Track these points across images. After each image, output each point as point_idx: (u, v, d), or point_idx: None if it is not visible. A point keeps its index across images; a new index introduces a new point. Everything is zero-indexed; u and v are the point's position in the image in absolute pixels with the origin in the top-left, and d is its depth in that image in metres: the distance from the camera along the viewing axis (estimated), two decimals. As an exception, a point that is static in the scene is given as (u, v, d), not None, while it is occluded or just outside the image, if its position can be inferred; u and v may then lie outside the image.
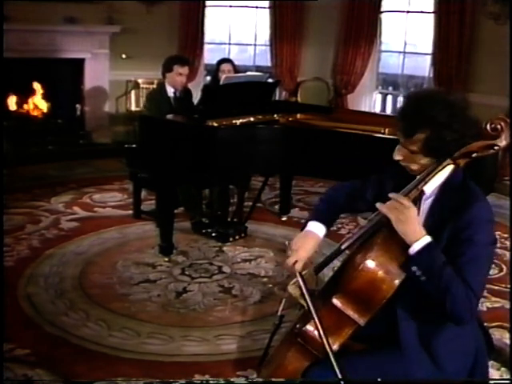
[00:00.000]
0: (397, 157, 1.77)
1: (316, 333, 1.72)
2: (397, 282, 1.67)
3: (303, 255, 1.86)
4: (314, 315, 1.70)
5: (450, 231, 1.67)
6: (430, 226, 1.71)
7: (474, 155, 1.69)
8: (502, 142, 1.66)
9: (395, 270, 1.67)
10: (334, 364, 1.65)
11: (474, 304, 1.63)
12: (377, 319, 1.72)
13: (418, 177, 1.75)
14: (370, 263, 1.67)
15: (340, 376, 1.64)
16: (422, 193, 1.75)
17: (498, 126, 1.65)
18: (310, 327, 1.75)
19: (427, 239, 1.63)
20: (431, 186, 1.75)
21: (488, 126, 1.66)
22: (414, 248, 1.63)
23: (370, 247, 1.71)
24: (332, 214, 2.00)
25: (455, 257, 1.63)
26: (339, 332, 1.73)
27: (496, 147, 1.67)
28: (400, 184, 1.79)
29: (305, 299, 1.77)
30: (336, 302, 1.72)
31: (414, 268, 1.63)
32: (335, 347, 1.71)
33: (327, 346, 1.67)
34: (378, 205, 1.69)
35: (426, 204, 1.78)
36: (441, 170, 1.71)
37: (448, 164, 1.70)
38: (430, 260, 1.62)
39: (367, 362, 1.76)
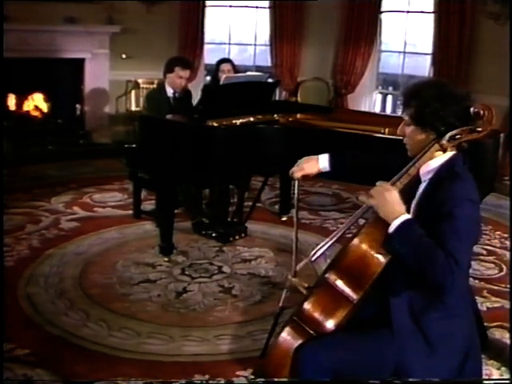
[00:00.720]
0: (399, 130, 1.98)
1: (312, 309, 1.82)
2: (384, 258, 1.77)
3: (303, 168, 2.27)
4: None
5: (432, 209, 1.77)
6: (422, 209, 1.84)
7: (457, 137, 1.81)
8: (484, 126, 1.81)
9: (384, 248, 1.77)
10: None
11: (456, 271, 1.67)
12: (370, 301, 1.83)
13: (410, 163, 1.88)
14: (359, 240, 1.79)
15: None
16: (419, 179, 1.89)
17: (481, 112, 1.81)
18: (307, 305, 1.83)
19: (405, 217, 1.75)
20: (426, 173, 1.87)
21: (471, 111, 1.82)
22: (392, 226, 1.75)
23: (361, 228, 1.85)
24: (346, 164, 2.30)
25: (436, 232, 1.72)
26: (335, 312, 1.81)
27: (478, 130, 1.82)
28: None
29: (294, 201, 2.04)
30: (329, 276, 1.82)
31: (394, 245, 1.74)
32: (331, 326, 1.79)
33: None
34: (360, 197, 1.89)
35: (420, 188, 1.90)
36: (430, 155, 1.84)
37: (436, 150, 1.83)
38: (407, 235, 1.73)
39: (360, 343, 1.81)
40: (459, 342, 1.82)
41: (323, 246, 2.04)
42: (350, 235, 2.02)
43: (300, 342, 1.83)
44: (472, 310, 1.93)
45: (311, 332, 1.82)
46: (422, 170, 1.87)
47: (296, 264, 2.20)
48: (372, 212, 1.87)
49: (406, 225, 1.74)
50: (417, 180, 1.90)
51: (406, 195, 1.85)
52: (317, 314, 1.80)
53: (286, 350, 1.85)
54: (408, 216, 1.77)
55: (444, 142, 1.81)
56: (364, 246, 1.78)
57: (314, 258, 2.03)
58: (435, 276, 1.68)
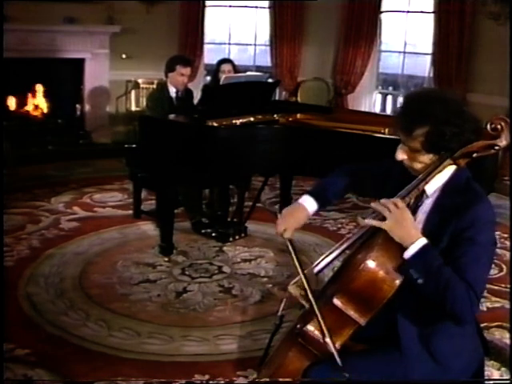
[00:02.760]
0: (399, 156, 1.76)
1: (317, 333, 1.73)
2: (397, 282, 1.67)
3: (291, 225, 1.93)
4: (320, 318, 1.70)
5: (452, 231, 1.66)
6: (430, 227, 1.71)
7: (474, 155, 1.69)
8: (503, 142, 1.67)
9: (396, 270, 1.67)
10: (339, 361, 1.66)
11: (474, 303, 1.62)
12: (377, 320, 1.72)
13: (419, 176, 1.74)
14: (371, 263, 1.67)
15: (341, 364, 1.65)
16: (423, 193, 1.75)
17: (498, 126, 1.66)
18: (310, 327, 1.75)
19: (423, 241, 1.63)
20: (433, 186, 1.74)
21: (488, 126, 1.67)
22: (410, 251, 1.63)
23: (371, 247, 1.71)
24: (330, 194, 2.04)
25: (456, 257, 1.63)
26: (340, 332, 1.73)
27: (496, 147, 1.67)
28: (403, 183, 1.78)
29: (309, 301, 1.77)
30: (337, 301, 1.71)
31: (412, 271, 1.62)
32: (336, 347, 1.71)
33: (330, 345, 1.67)
34: (372, 204, 1.69)
35: (426, 204, 1.77)
36: (441, 169, 1.70)
37: (449, 164, 1.70)
38: (426, 262, 1.61)
39: (367, 363, 1.76)
40: (469, 358, 1.78)
41: (326, 257, 1.93)
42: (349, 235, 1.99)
43: (307, 364, 1.78)
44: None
45: (317, 353, 1.77)
46: (429, 184, 1.73)
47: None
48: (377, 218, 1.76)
49: (424, 250, 1.62)
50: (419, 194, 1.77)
51: (409, 209, 1.72)
52: (322, 337, 1.72)
53: (292, 373, 1.79)
54: (425, 240, 1.63)
55: (460, 159, 1.68)
56: (376, 270, 1.66)
57: (316, 270, 1.94)
58: (454, 308, 1.60)
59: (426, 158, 1.72)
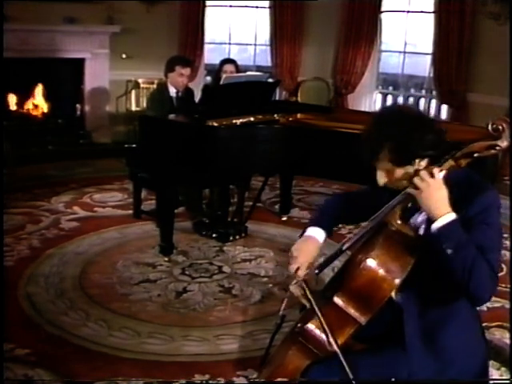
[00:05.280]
0: (381, 181, 1.78)
1: (317, 332, 1.73)
2: (397, 280, 1.68)
3: (304, 260, 1.88)
4: (321, 318, 1.71)
5: (461, 219, 1.66)
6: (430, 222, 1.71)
7: (475, 155, 1.69)
8: (504, 143, 1.66)
9: (396, 269, 1.68)
10: (343, 361, 1.66)
11: (495, 286, 1.65)
12: (378, 319, 1.73)
13: None
14: (371, 262, 1.68)
15: (347, 369, 1.65)
16: None
17: (500, 127, 1.65)
18: (311, 326, 1.76)
19: (452, 216, 1.63)
20: None
21: (489, 127, 1.67)
22: (438, 223, 1.62)
23: (372, 246, 1.72)
24: (331, 220, 2.00)
25: (474, 238, 1.63)
26: (341, 331, 1.73)
27: (497, 147, 1.67)
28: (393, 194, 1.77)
29: (310, 303, 1.77)
30: (337, 300, 1.72)
31: (441, 241, 1.61)
32: (338, 345, 1.71)
33: (333, 344, 1.68)
34: (414, 179, 1.66)
35: None
36: (443, 170, 1.69)
37: (450, 165, 1.70)
38: (455, 235, 1.61)
39: (369, 362, 1.76)
40: (473, 356, 1.78)
41: (326, 257, 1.93)
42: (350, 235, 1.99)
43: (307, 363, 1.78)
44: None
45: (317, 352, 1.76)
46: None
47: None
48: (379, 222, 1.78)
49: (454, 224, 1.62)
50: None
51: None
52: (322, 335, 1.73)
53: (292, 372, 1.80)
54: (455, 215, 1.62)
55: (462, 160, 1.68)
56: (376, 269, 1.67)
57: (318, 271, 1.94)
58: (478, 287, 1.60)
59: (404, 172, 1.73)
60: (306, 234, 1.94)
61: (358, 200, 2.02)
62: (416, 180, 1.66)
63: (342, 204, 2.03)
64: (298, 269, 1.87)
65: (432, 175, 1.64)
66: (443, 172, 1.67)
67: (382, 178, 1.78)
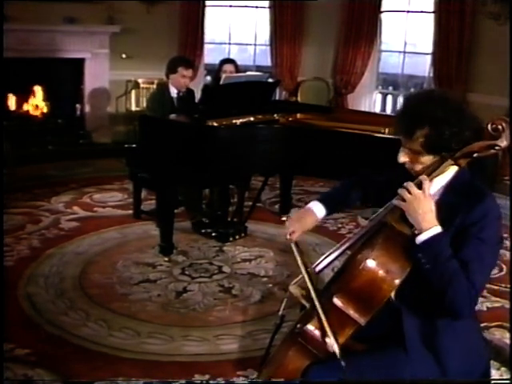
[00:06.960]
0: (401, 159, 1.77)
1: (317, 333, 1.73)
2: (397, 281, 1.68)
3: (299, 227, 2.00)
4: (322, 317, 1.71)
5: (458, 227, 1.67)
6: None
7: (475, 155, 1.69)
8: (503, 142, 1.67)
9: (396, 270, 1.68)
10: (343, 362, 1.66)
11: (473, 301, 1.65)
12: (378, 319, 1.73)
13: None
14: (371, 263, 1.68)
15: (344, 365, 1.65)
16: None
17: (499, 127, 1.66)
18: (310, 327, 1.76)
19: (436, 230, 1.64)
20: (434, 187, 1.74)
21: (489, 127, 1.67)
22: (421, 237, 1.64)
23: (371, 247, 1.72)
24: (337, 200, 2.09)
25: (462, 254, 1.64)
26: (340, 332, 1.73)
27: (497, 147, 1.67)
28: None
29: (312, 303, 1.77)
30: (337, 301, 1.72)
31: (420, 256, 1.64)
32: (338, 345, 1.71)
33: (334, 344, 1.68)
34: (399, 190, 1.68)
35: None
36: (442, 170, 1.70)
37: (450, 164, 1.70)
38: (434, 251, 1.62)
39: (369, 363, 1.76)
40: (473, 358, 1.78)
41: (327, 256, 1.93)
42: (349, 235, 1.99)
43: (306, 363, 1.78)
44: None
45: (316, 353, 1.76)
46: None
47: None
48: (379, 222, 1.79)
49: (437, 238, 1.63)
50: None
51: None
52: (322, 336, 1.73)
53: (292, 372, 1.79)
54: (439, 229, 1.64)
55: (461, 160, 1.69)
56: (376, 269, 1.67)
57: (317, 270, 1.94)
58: (453, 302, 1.62)
59: (427, 159, 1.73)
60: (309, 206, 2.05)
61: (370, 186, 2.06)
62: (401, 192, 1.67)
63: (356, 187, 2.09)
64: (292, 232, 1.98)
65: (419, 187, 1.65)
66: (432, 182, 1.68)
67: (403, 157, 1.77)
